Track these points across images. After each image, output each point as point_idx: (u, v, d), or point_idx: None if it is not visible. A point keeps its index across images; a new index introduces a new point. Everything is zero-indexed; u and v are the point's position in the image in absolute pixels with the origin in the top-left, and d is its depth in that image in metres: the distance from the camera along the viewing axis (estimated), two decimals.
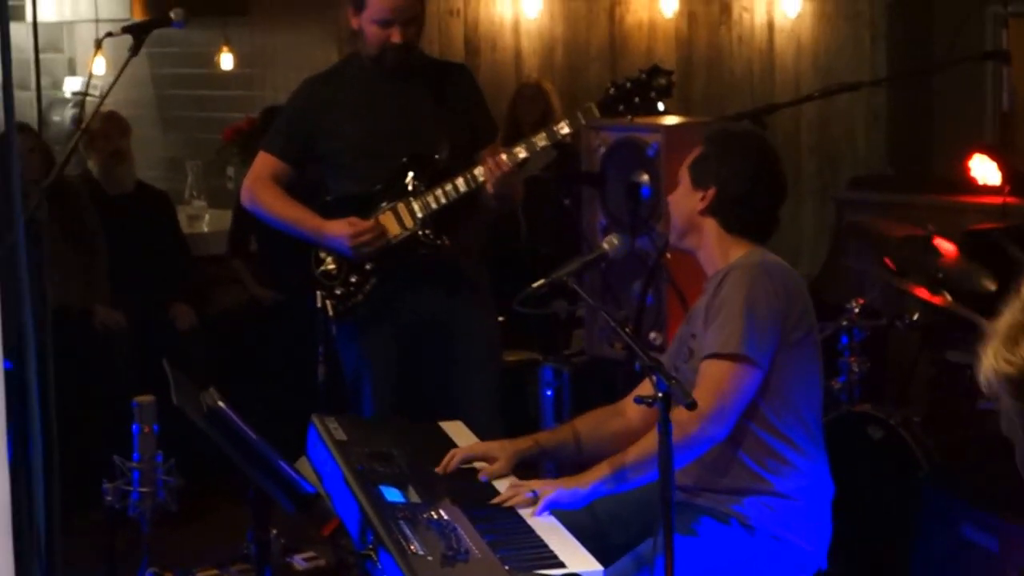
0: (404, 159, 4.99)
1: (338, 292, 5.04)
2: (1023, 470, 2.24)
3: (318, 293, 5.04)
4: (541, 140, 4.90)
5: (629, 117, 5.03)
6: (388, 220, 4.98)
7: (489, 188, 4.88)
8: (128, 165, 7.11)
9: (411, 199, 4.97)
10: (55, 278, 6.32)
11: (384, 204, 4.99)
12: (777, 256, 3.88)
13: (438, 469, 3.84)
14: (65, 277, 6.47)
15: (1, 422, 2.17)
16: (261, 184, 5.13)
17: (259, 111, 8.27)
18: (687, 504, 3.75)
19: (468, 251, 5.15)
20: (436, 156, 4.98)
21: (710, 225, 3.87)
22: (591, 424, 4.05)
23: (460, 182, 4.91)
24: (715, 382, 3.66)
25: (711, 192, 3.84)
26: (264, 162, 5.16)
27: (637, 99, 4.90)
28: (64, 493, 2.48)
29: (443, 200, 4.94)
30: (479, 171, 4.87)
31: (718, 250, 3.87)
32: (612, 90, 4.92)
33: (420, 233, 4.97)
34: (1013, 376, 2.16)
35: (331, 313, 5.04)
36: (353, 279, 5.02)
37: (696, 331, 3.82)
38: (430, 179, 4.96)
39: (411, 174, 4.98)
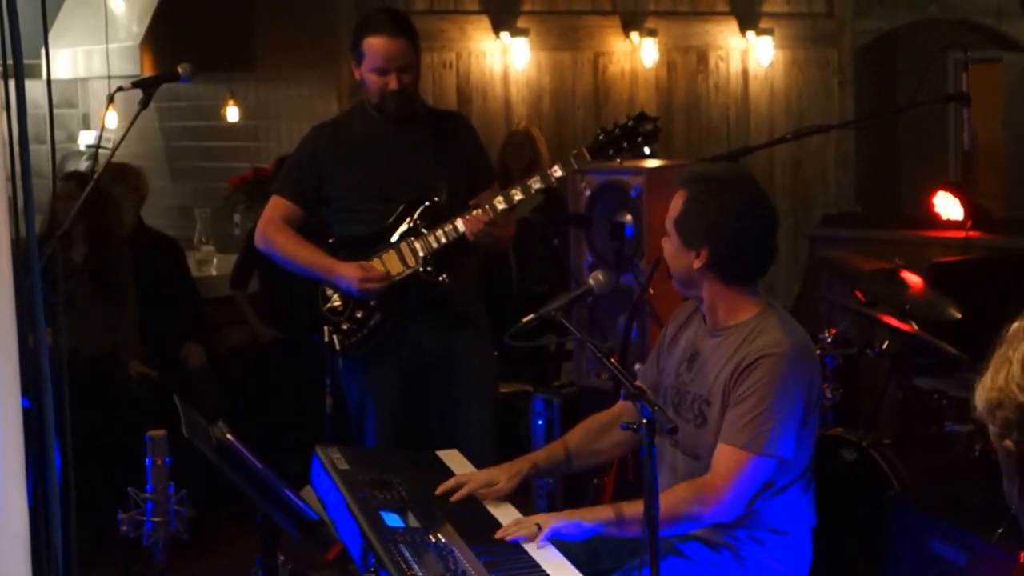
0: (406, 201, 5.00)
1: (344, 327, 5.03)
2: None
3: (325, 328, 5.04)
4: (535, 183, 4.90)
5: (618, 160, 5.04)
6: (391, 259, 4.98)
7: (469, 237, 4.89)
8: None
9: (413, 239, 4.97)
10: (85, 329, 6.30)
11: (387, 244, 4.99)
12: (794, 322, 3.72)
13: (439, 490, 3.82)
14: (92, 329, 6.41)
15: (21, 458, 2.16)
16: (274, 227, 5.12)
17: (270, 161, 8.29)
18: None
19: (467, 288, 5.15)
20: (436, 198, 4.99)
21: (711, 280, 3.69)
22: (583, 440, 4.04)
23: (459, 223, 4.91)
24: (736, 473, 3.54)
25: (704, 252, 3.64)
26: (276, 205, 5.15)
27: (625, 144, 4.90)
28: (82, 525, 2.48)
29: (443, 240, 4.94)
30: (476, 213, 4.88)
31: (723, 303, 3.72)
32: (602, 136, 4.92)
33: (422, 271, 4.97)
34: None
35: (337, 347, 5.04)
36: (358, 315, 5.02)
37: (712, 400, 3.65)
38: (431, 220, 4.97)
39: (412, 215, 4.99)
